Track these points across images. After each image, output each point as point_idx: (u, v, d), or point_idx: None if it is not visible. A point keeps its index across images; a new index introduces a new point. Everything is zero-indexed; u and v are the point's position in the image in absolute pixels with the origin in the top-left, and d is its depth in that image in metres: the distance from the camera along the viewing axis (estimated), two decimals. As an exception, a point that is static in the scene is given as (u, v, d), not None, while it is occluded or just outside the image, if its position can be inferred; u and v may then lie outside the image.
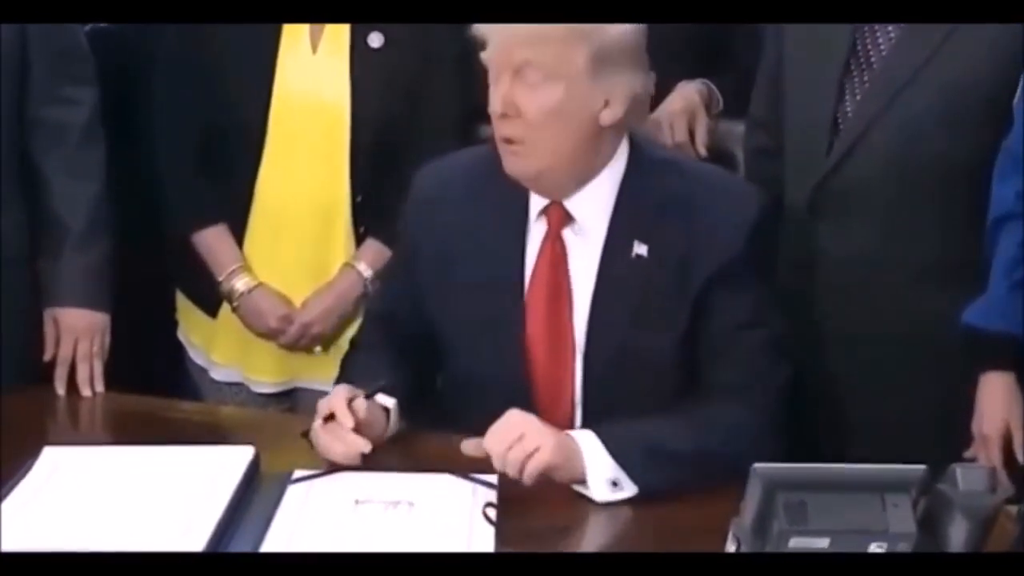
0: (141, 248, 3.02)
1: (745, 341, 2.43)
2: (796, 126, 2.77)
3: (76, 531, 2.12)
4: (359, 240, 3.03)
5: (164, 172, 3.08)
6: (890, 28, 2.63)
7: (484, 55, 2.43)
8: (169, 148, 3.08)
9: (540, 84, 2.38)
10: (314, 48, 3.02)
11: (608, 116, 2.42)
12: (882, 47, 2.64)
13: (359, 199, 3.01)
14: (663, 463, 2.30)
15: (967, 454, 2.45)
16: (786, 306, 2.76)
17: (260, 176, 3.01)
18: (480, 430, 2.30)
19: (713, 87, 3.11)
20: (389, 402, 2.47)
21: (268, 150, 3.00)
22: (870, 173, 2.64)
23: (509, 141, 2.42)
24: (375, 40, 2.99)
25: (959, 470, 1.86)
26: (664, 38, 3.02)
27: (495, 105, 2.41)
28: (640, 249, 2.44)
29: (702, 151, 3.01)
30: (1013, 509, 1.94)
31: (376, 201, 2.97)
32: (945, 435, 2.52)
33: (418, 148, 2.80)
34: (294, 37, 3.02)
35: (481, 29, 2.43)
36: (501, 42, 2.41)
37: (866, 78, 2.65)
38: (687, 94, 3.08)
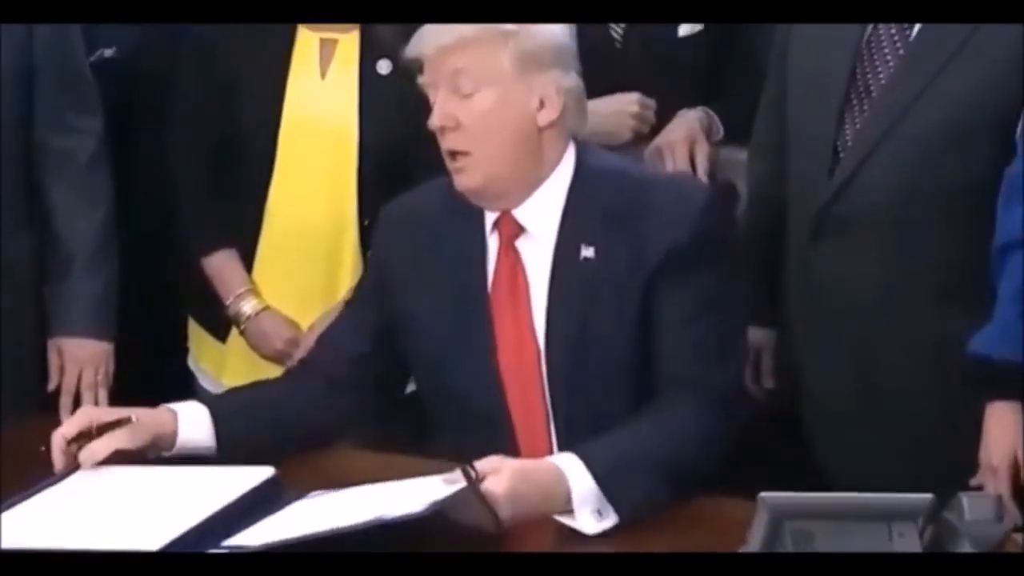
0: (151, 274, 3.05)
1: (692, 334, 2.41)
2: (798, 153, 2.76)
3: (86, 534, 2.13)
4: (367, 262, 3.01)
5: (173, 197, 3.09)
6: (889, 58, 2.63)
7: (421, 80, 2.48)
8: (178, 173, 3.10)
9: (473, 92, 2.43)
10: (323, 74, 3.05)
11: (544, 117, 2.46)
12: (881, 77, 2.63)
13: (367, 223, 3.00)
14: (640, 480, 2.27)
15: (973, 482, 2.42)
16: (790, 330, 2.82)
17: (269, 200, 3.04)
18: (459, 447, 2.33)
19: (713, 115, 3.12)
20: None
21: (277, 174, 3.03)
22: (871, 200, 2.62)
23: (454, 155, 2.46)
24: (383, 67, 3.02)
25: (965, 499, 1.88)
26: (665, 67, 3.11)
27: (434, 119, 2.46)
28: (587, 252, 2.45)
29: (703, 178, 3.00)
30: (1019, 538, 1.94)
31: None
32: (952, 461, 2.48)
33: (425, 173, 2.77)
34: (304, 63, 3.04)
35: (414, 50, 2.48)
36: (432, 57, 2.46)
37: (865, 107, 2.64)
38: (687, 122, 3.09)
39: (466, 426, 2.48)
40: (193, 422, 2.43)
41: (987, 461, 2.41)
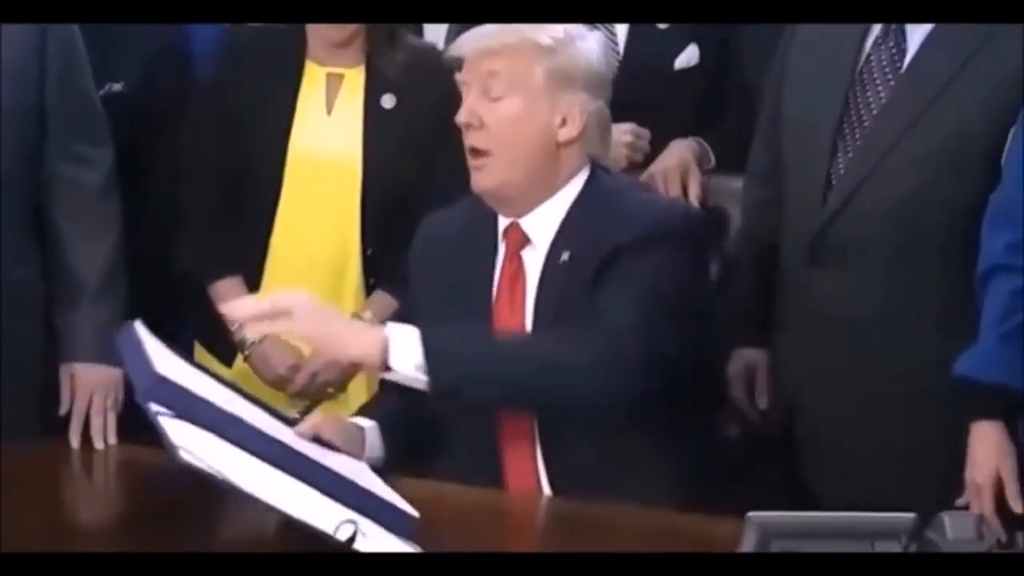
0: (159, 302, 3.02)
1: (617, 308, 2.42)
2: (792, 181, 2.77)
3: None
4: (369, 291, 3.06)
5: (182, 226, 3.10)
6: (880, 89, 2.65)
7: (459, 76, 2.56)
8: (187, 203, 3.11)
9: (502, 96, 2.50)
10: (329, 108, 3.07)
11: (564, 134, 2.52)
12: (873, 107, 2.65)
13: (370, 252, 3.04)
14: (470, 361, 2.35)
15: (959, 502, 2.42)
16: (783, 353, 2.82)
17: (275, 229, 3.06)
18: (448, 435, 2.48)
19: (705, 144, 3.14)
20: (365, 423, 2.52)
21: (283, 205, 3.04)
22: (863, 226, 2.63)
23: (475, 153, 2.52)
24: (387, 101, 3.04)
25: (947, 518, 1.88)
26: (660, 98, 3.12)
27: (461, 116, 2.53)
28: (564, 256, 2.50)
29: (695, 206, 3.01)
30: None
31: (386, 255, 2.99)
32: (941, 481, 2.49)
33: (427, 205, 2.81)
34: (310, 97, 3.06)
35: (457, 49, 2.57)
36: (471, 57, 2.54)
37: (858, 136, 2.65)
38: (680, 151, 3.11)
39: (458, 423, 2.53)
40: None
41: (971, 479, 2.41)
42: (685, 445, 2.53)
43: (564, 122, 2.52)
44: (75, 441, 2.72)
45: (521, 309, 2.54)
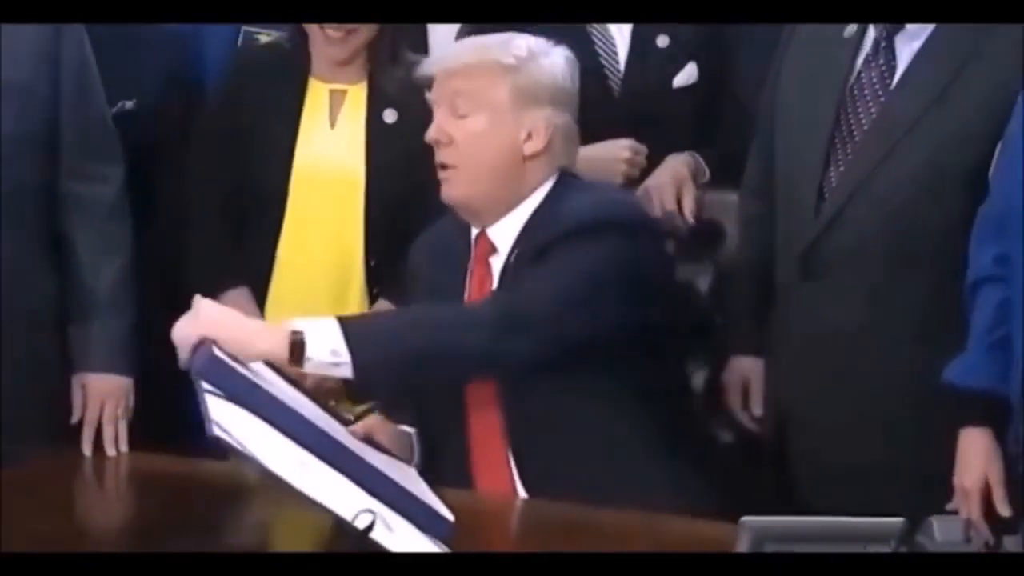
0: (170, 313, 3.04)
1: (531, 290, 2.46)
2: (786, 196, 2.78)
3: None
4: (372, 301, 3.09)
5: (191, 239, 3.13)
6: (871, 105, 2.67)
7: (429, 95, 2.60)
8: (196, 217, 3.13)
9: (469, 114, 2.55)
10: (332, 123, 3.10)
11: (530, 147, 2.56)
12: (864, 123, 2.67)
13: (373, 263, 3.07)
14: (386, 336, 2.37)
15: (949, 506, 2.43)
16: (777, 361, 2.83)
17: (281, 241, 3.08)
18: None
19: (700, 159, 3.15)
20: (410, 429, 2.58)
21: (288, 218, 3.08)
22: (855, 239, 2.65)
23: (443, 167, 2.57)
24: (389, 116, 3.07)
25: (936, 522, 1.93)
26: (659, 115, 3.13)
27: (431, 133, 2.58)
28: (514, 255, 2.56)
29: (689, 219, 3.05)
30: None
31: (389, 265, 3.01)
32: (931, 487, 2.48)
33: (428, 216, 2.83)
34: (314, 112, 3.09)
35: (426, 69, 2.62)
36: (438, 77, 2.59)
37: (849, 151, 2.67)
38: (675, 165, 3.12)
39: (430, 418, 2.61)
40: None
41: (960, 484, 2.42)
42: (661, 447, 2.56)
43: (529, 136, 2.56)
44: (87, 449, 2.73)
45: None
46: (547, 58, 2.60)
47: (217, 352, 2.20)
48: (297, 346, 2.27)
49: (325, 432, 2.21)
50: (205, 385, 2.12)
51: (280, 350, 2.27)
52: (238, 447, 2.04)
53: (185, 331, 2.26)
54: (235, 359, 2.22)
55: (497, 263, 2.59)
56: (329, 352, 2.28)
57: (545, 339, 2.42)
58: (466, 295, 2.61)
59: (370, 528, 2.04)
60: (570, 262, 2.47)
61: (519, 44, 2.59)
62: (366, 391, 2.32)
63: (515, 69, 2.56)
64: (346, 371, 2.29)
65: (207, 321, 2.28)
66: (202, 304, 2.31)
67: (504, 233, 2.58)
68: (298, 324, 2.29)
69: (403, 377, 2.38)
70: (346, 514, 2.05)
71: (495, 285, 2.58)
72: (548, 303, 2.43)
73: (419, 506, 2.20)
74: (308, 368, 2.29)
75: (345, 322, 2.31)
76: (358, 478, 2.15)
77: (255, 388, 2.15)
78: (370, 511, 2.05)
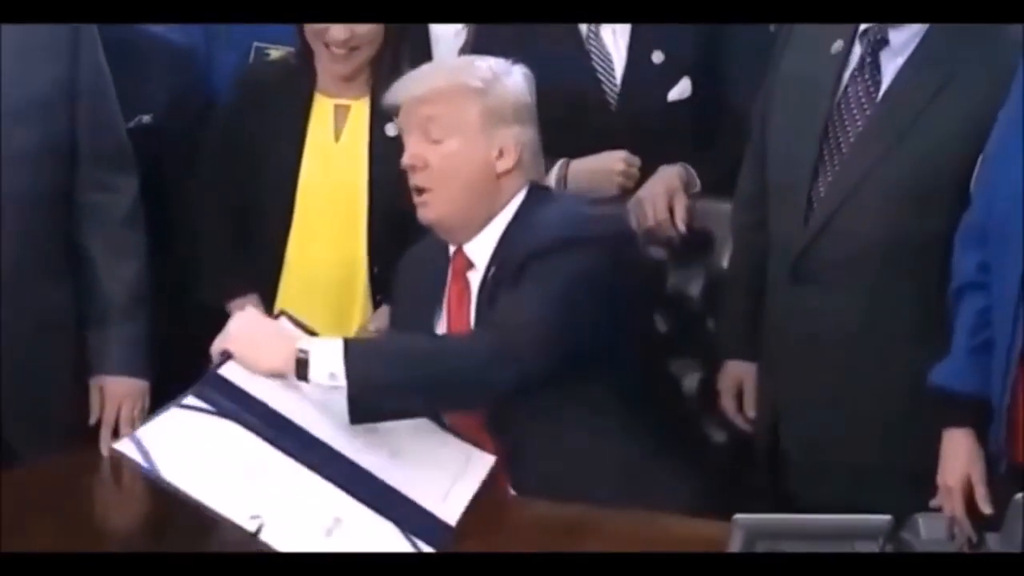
0: (181, 318, 3.09)
1: (516, 306, 2.50)
2: (777, 204, 2.80)
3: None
4: (376, 306, 3.12)
5: (202, 248, 3.17)
6: (858, 118, 2.69)
7: (397, 121, 2.65)
8: (207, 227, 3.17)
9: (441, 138, 2.59)
10: (337, 137, 3.14)
11: (502, 165, 2.61)
12: (850, 134, 2.69)
13: (376, 270, 3.11)
14: (383, 366, 2.40)
15: (933, 503, 2.45)
16: (770, 366, 2.85)
17: (288, 250, 3.13)
18: None
19: (691, 170, 3.15)
20: None
21: (295, 228, 3.12)
22: (843, 247, 2.67)
23: (419, 191, 2.61)
24: (391, 129, 3.07)
25: (921, 519, 1.94)
26: (653, 128, 3.14)
27: (405, 159, 2.62)
28: (492, 271, 2.60)
29: (681, 227, 3.07)
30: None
31: (391, 273, 3.00)
32: (917, 487, 2.50)
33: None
34: (319, 126, 3.14)
35: (392, 98, 2.66)
36: (407, 105, 2.63)
37: (836, 161, 2.69)
38: (668, 176, 3.13)
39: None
40: None
41: (943, 483, 2.43)
42: (650, 449, 2.60)
43: (501, 154, 2.60)
44: (104, 449, 2.75)
45: (468, 325, 2.63)
46: (509, 78, 2.65)
47: (221, 369, 2.31)
48: (301, 365, 2.34)
49: (316, 439, 2.30)
50: (190, 400, 2.25)
51: (284, 370, 2.35)
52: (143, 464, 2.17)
53: (215, 344, 2.36)
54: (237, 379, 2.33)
55: (475, 278, 2.63)
56: (327, 375, 2.34)
57: (533, 366, 2.45)
58: (444, 310, 2.66)
59: (259, 531, 2.11)
60: (545, 283, 2.49)
61: (482, 66, 2.64)
62: (361, 414, 2.34)
63: (483, 92, 2.60)
64: (343, 394, 2.34)
65: (230, 335, 2.38)
66: (232, 318, 2.42)
67: (480, 249, 2.63)
68: (306, 343, 2.37)
69: (397, 404, 2.40)
70: (240, 519, 2.14)
71: (474, 299, 2.62)
72: (531, 330, 2.45)
73: (410, 510, 2.26)
74: (312, 385, 2.35)
75: (349, 346, 2.36)
76: (344, 483, 2.23)
77: (246, 406, 2.29)
78: (258, 516, 2.12)
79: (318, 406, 2.35)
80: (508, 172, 2.62)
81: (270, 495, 2.18)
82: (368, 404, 2.34)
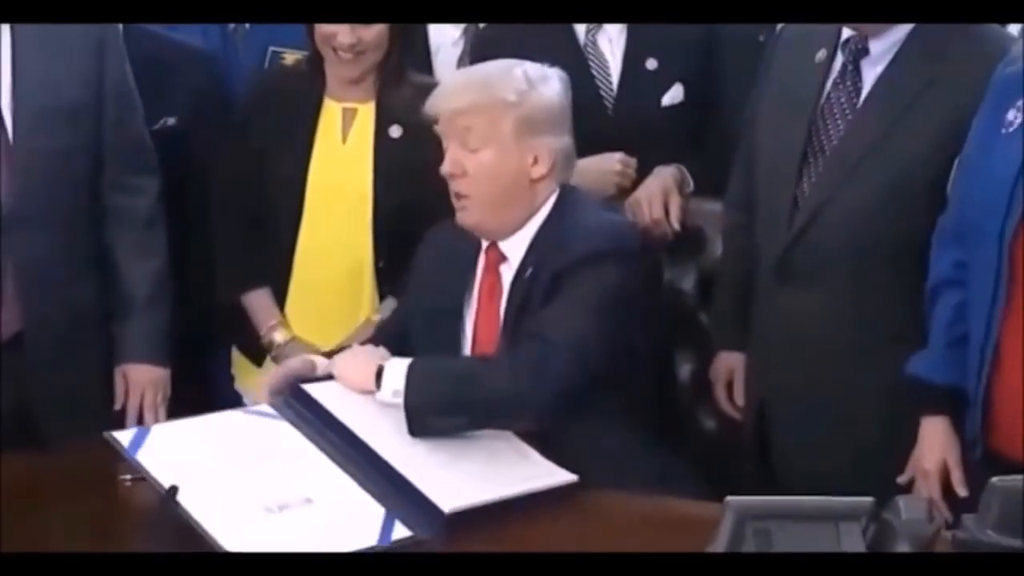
0: (200, 311, 3.17)
1: (554, 315, 2.58)
2: (764, 205, 2.84)
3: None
4: (381, 299, 3.19)
5: (218, 245, 3.23)
6: (839, 122, 2.72)
7: (437, 128, 2.68)
8: (222, 225, 3.23)
9: (479, 148, 2.64)
10: (344, 139, 3.18)
11: (537, 171, 2.66)
12: (833, 138, 2.72)
13: (381, 265, 3.17)
14: (438, 385, 2.53)
15: (901, 479, 2.53)
16: (758, 360, 2.88)
17: (298, 246, 3.18)
18: None
19: (685, 171, 3.18)
20: None
21: (304, 225, 3.18)
22: (826, 246, 2.70)
23: (459, 196, 2.67)
24: (395, 131, 3.15)
25: (901, 501, 1.93)
26: (648, 131, 3.17)
27: (445, 166, 2.67)
28: (528, 271, 2.66)
29: (676, 226, 3.10)
30: (948, 535, 1.97)
31: (395, 266, 3.09)
32: (894, 471, 2.56)
33: (430, 222, 2.92)
34: (327, 129, 3.18)
35: (432, 109, 2.69)
36: (446, 115, 2.67)
37: (820, 164, 2.72)
38: (662, 177, 3.16)
39: None
40: None
41: (921, 467, 2.50)
42: (649, 436, 2.66)
43: (535, 161, 2.65)
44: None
45: (497, 318, 2.68)
46: (545, 85, 2.68)
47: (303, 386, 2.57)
48: (379, 380, 2.54)
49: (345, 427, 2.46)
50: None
51: (364, 387, 2.56)
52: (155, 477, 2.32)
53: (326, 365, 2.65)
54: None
55: (507, 272, 2.69)
56: (391, 393, 2.52)
57: (571, 384, 2.54)
58: (475, 301, 2.71)
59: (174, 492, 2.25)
60: (582, 298, 2.57)
61: (518, 76, 2.67)
62: (418, 430, 2.47)
63: (517, 104, 2.64)
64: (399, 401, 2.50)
65: (339, 359, 2.63)
66: (346, 350, 2.67)
67: (515, 245, 2.69)
68: (386, 362, 2.55)
69: (447, 423, 2.50)
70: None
71: (504, 294, 2.68)
72: (571, 351, 2.53)
73: (410, 494, 2.33)
74: (381, 401, 2.53)
75: (412, 367, 2.51)
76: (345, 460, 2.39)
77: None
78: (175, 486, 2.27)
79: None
80: (543, 178, 2.67)
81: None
82: (422, 422, 2.48)
